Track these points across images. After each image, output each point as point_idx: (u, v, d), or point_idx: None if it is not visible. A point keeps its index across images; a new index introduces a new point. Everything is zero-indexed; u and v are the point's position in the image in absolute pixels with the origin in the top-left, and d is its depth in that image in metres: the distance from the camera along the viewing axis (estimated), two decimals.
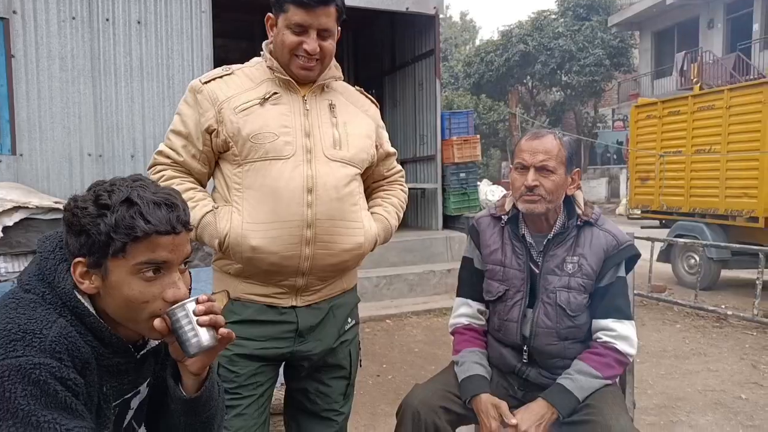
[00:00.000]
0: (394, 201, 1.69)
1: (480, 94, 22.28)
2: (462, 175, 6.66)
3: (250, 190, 1.42)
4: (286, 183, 1.41)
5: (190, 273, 1.08)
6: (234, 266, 1.47)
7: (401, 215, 1.70)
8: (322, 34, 1.44)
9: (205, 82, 1.46)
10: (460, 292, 1.81)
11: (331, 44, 1.47)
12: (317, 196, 1.44)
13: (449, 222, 6.63)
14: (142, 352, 1.05)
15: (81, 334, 0.95)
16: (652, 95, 15.15)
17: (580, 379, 1.55)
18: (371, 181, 1.69)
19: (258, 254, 1.42)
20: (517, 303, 1.65)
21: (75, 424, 0.87)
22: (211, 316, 0.98)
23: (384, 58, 7.82)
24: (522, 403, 1.58)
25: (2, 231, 3.70)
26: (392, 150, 1.71)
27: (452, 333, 1.78)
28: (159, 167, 1.48)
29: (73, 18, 4.64)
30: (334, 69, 1.55)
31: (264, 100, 1.45)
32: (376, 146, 1.61)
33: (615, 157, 21.23)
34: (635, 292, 4.96)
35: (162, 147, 1.49)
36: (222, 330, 0.99)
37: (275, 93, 1.47)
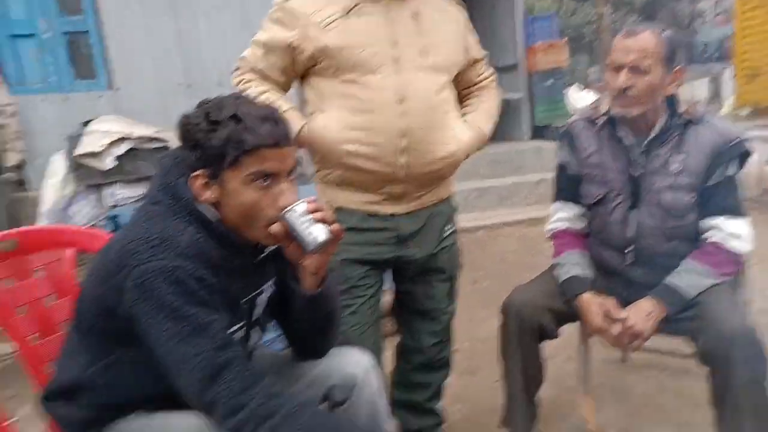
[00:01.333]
0: (485, 107, 1.67)
1: None
2: (549, 82, 6.32)
3: (342, 100, 1.46)
4: (377, 95, 1.44)
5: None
6: (333, 174, 1.53)
7: (495, 120, 1.67)
8: None
9: None
10: (557, 197, 1.78)
11: None
12: (409, 106, 1.45)
13: (538, 132, 6.39)
14: (261, 256, 1.14)
15: (208, 239, 1.04)
16: None
17: (689, 277, 1.51)
18: (461, 88, 1.68)
19: (353, 160, 1.47)
20: (619, 205, 1.61)
21: (212, 318, 0.98)
22: (322, 212, 1.05)
23: None
24: (627, 304, 1.56)
25: (116, 160, 3.98)
26: (481, 54, 1.69)
27: (550, 238, 1.77)
28: (240, 71, 1.55)
29: None
30: None
31: (347, 13, 1.44)
32: (465, 51, 1.58)
33: (717, 55, 19.32)
34: (746, 193, 4.66)
35: (245, 53, 1.55)
36: (334, 225, 1.06)
37: (357, 4, 1.46)
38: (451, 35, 1.56)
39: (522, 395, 1.67)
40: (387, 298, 2.54)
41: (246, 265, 1.12)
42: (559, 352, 2.29)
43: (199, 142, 1.01)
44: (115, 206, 3.92)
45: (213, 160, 1.01)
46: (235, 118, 0.99)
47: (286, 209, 1.04)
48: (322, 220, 1.05)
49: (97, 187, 4.00)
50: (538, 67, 6.27)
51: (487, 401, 2.11)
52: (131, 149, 4.06)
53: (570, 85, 7.92)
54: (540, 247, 3.95)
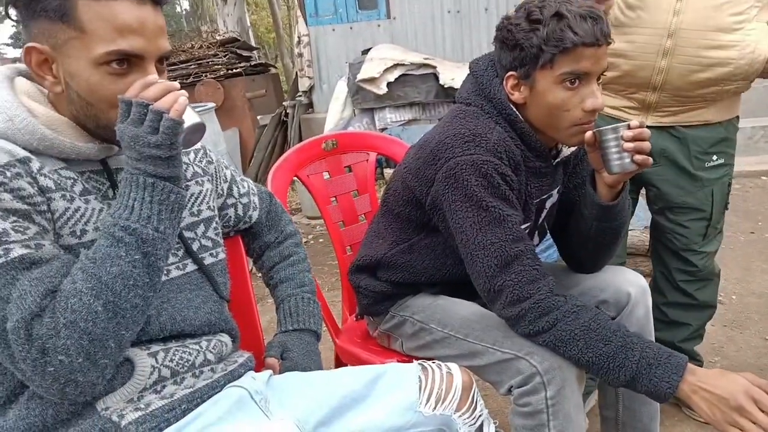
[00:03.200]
0: None
1: None
2: None
3: None
4: None
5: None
6: None
7: None
8: None
9: None
10: None
11: None
12: (687, 2, 1.32)
13: None
14: (556, 160, 1.18)
15: (512, 139, 1.10)
16: None
17: None
18: None
19: (613, 58, 1.38)
20: None
21: (511, 212, 1.06)
22: (637, 143, 1.03)
23: None
24: None
25: (387, 86, 4.41)
26: None
27: None
28: None
29: None
30: None
31: None
32: None
33: None
34: None
35: None
36: (642, 157, 1.04)
37: None
38: None
39: None
40: (641, 236, 2.43)
41: (543, 167, 1.15)
42: None
43: (519, 42, 1.04)
44: (384, 129, 4.39)
45: (530, 60, 1.04)
46: (558, 15, 1.01)
47: (607, 126, 1.05)
48: (636, 151, 1.04)
49: (371, 110, 4.51)
50: None
51: (750, 359, 1.95)
52: (402, 75, 4.44)
53: None
54: None
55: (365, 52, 4.71)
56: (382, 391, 0.94)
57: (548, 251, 2.10)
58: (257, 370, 1.01)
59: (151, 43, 0.80)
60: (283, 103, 5.26)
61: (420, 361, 1.00)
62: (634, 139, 1.03)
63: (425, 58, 4.49)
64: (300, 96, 5.35)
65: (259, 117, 5.19)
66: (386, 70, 4.43)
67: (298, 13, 5.48)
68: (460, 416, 0.94)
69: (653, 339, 1.25)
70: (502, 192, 1.06)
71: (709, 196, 1.55)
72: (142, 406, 0.84)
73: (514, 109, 1.11)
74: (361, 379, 0.96)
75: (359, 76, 4.39)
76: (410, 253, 1.24)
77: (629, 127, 1.04)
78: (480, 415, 0.97)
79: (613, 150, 1.05)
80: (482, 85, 1.14)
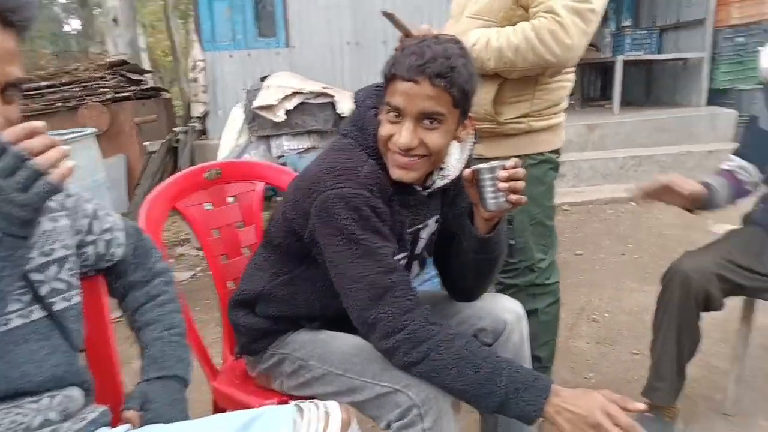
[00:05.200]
0: (495, 31, 1.48)
1: None
2: (740, 39, 5.57)
3: None
4: None
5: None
6: None
7: (516, 41, 1.43)
8: None
9: None
10: (738, 152, 1.65)
11: None
12: None
13: (715, 97, 5.72)
14: (429, 191, 1.19)
15: (383, 171, 1.11)
16: None
17: None
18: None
19: None
20: None
21: (382, 244, 1.07)
22: (511, 183, 1.06)
23: None
24: None
25: (285, 114, 4.38)
26: None
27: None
28: None
29: None
30: None
31: None
32: None
33: None
34: None
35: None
36: (517, 197, 1.07)
37: None
38: None
39: (671, 366, 1.58)
40: None
41: (416, 198, 1.16)
42: (713, 330, 2.17)
43: (384, 72, 1.08)
44: (281, 156, 4.35)
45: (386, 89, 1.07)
46: (405, 48, 1.03)
47: (485, 164, 1.08)
48: (509, 189, 1.06)
49: (267, 138, 4.45)
50: (730, 21, 5.55)
51: (621, 373, 2.08)
52: (300, 103, 4.44)
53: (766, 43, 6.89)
54: (701, 223, 3.63)
55: (263, 79, 4.67)
56: None
57: (436, 279, 2.15)
58: (114, 425, 0.93)
59: None
60: (174, 129, 5.07)
61: (296, 402, 0.97)
62: (508, 179, 1.06)
63: (324, 87, 4.52)
64: (193, 122, 5.19)
65: (147, 143, 4.96)
66: (284, 98, 4.41)
67: (194, 37, 5.35)
68: None
69: (529, 364, 1.30)
70: (373, 225, 1.06)
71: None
72: None
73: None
74: (232, 425, 0.90)
75: (256, 103, 4.34)
76: (291, 285, 1.22)
77: (505, 168, 1.07)
78: None
79: (489, 189, 1.08)
80: (358, 116, 1.16)
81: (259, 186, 1.67)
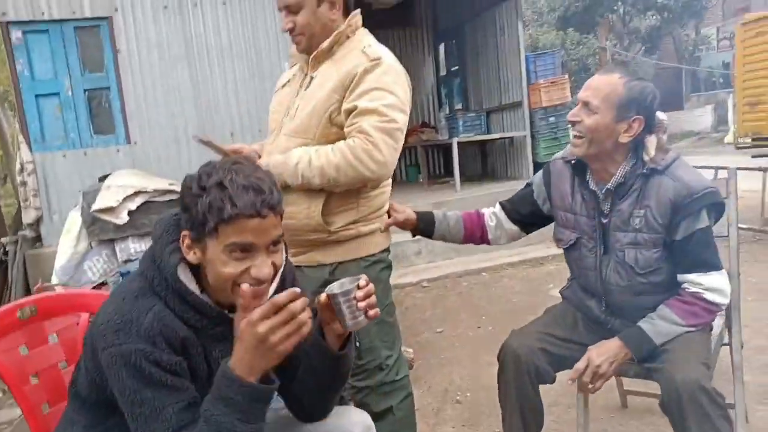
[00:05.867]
0: (315, 150, 1.58)
1: (567, 28, 20.89)
2: (551, 119, 6.44)
3: None
4: (265, 157, 1.66)
5: (285, 247, 1.17)
6: None
7: (336, 160, 1.54)
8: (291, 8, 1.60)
9: None
10: (502, 202, 1.89)
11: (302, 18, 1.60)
12: None
13: (540, 168, 6.46)
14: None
15: (181, 310, 1.07)
16: (766, 7, 13.54)
17: (659, 324, 1.52)
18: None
19: None
20: (591, 251, 1.64)
21: (172, 399, 1.03)
22: (369, 300, 1.09)
23: (463, 3, 7.56)
24: None
25: (128, 215, 4.12)
26: (359, 105, 1.54)
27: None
28: None
29: (165, 7, 4.92)
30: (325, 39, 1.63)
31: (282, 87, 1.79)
32: (341, 103, 1.57)
33: (721, 80, 19.36)
34: (746, 226, 4.63)
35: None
36: (374, 311, 1.11)
37: (294, 75, 1.76)
38: (324, 93, 1.59)
39: None
40: None
41: (227, 331, 1.11)
42: (560, 400, 2.32)
43: (188, 205, 1.04)
44: (128, 261, 4.04)
45: (197, 225, 1.03)
46: (220, 185, 1.00)
47: (333, 287, 1.11)
48: (366, 307, 1.09)
49: (111, 242, 4.12)
50: (541, 104, 6.41)
51: None
52: (145, 202, 4.21)
53: None
54: (544, 288, 3.99)
55: (102, 179, 4.38)
56: None
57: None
58: None
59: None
60: (1, 240, 4.52)
61: None
62: (365, 298, 1.09)
63: (170, 183, 4.34)
64: (24, 230, 4.68)
65: None
66: (126, 198, 4.15)
67: (20, 138, 4.91)
68: None
69: None
70: (157, 380, 1.02)
71: None
72: None
73: (184, 281, 1.08)
74: None
75: (95, 206, 4.03)
76: None
77: (359, 287, 1.09)
78: None
79: (346, 309, 1.09)
80: (156, 253, 1.12)
81: (84, 317, 1.51)
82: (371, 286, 1.11)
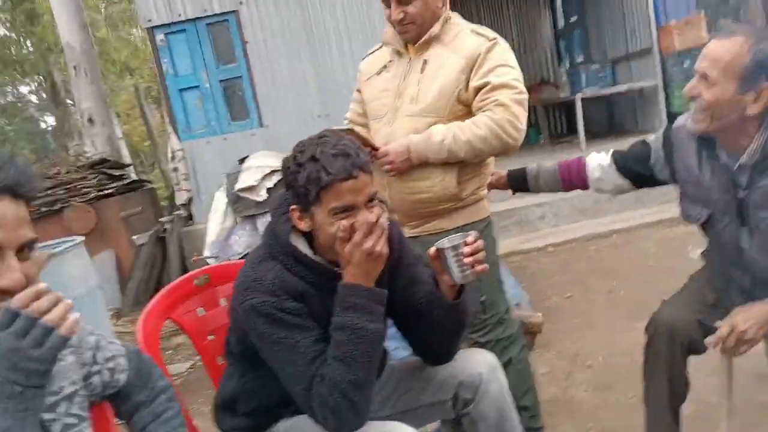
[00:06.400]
0: (459, 124, 1.68)
1: None
2: (686, 64, 5.87)
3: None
4: (379, 139, 1.76)
5: (383, 205, 1.29)
6: None
7: (473, 138, 1.65)
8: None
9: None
10: (614, 152, 1.74)
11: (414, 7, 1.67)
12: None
13: (674, 120, 5.95)
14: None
15: (298, 271, 1.24)
16: None
17: None
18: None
19: None
20: (727, 227, 1.50)
21: (302, 336, 1.19)
22: (476, 256, 1.19)
23: None
24: None
25: (267, 192, 4.49)
26: (491, 81, 1.66)
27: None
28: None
29: None
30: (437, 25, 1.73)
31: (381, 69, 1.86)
32: (467, 82, 1.69)
33: None
34: None
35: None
36: (481, 267, 1.20)
37: (390, 61, 1.83)
38: (448, 73, 1.70)
39: (665, 413, 1.61)
40: None
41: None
42: (704, 364, 2.21)
43: (290, 183, 1.20)
44: None
45: (302, 197, 1.18)
46: (313, 158, 1.15)
47: (444, 242, 1.21)
48: (473, 262, 1.18)
49: (252, 217, 4.54)
50: (674, 48, 5.86)
51: (622, 419, 2.08)
52: (280, 180, 4.55)
53: None
54: (683, 250, 3.74)
55: (242, 161, 4.80)
56: None
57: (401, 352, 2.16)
58: None
59: (11, 234, 0.84)
60: (160, 220, 5.15)
61: None
62: (472, 254, 1.18)
63: None
64: (178, 210, 5.27)
65: (135, 237, 5.01)
66: (264, 177, 4.52)
67: (170, 129, 5.50)
68: None
69: (513, 410, 1.38)
70: (287, 321, 1.19)
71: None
72: None
73: (297, 246, 1.25)
74: None
75: (237, 186, 4.44)
76: (260, 378, 1.31)
77: (467, 243, 1.18)
78: None
79: (455, 264, 1.18)
80: (272, 224, 1.31)
81: None
82: (480, 242, 1.20)
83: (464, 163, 1.72)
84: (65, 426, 0.95)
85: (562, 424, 2.11)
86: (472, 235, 1.19)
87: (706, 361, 1.68)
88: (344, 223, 1.16)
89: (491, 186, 1.87)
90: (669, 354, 1.56)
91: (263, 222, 4.58)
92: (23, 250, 0.88)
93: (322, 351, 1.19)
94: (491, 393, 1.33)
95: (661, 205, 4.84)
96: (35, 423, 0.80)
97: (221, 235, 4.63)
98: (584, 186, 1.81)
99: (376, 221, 1.15)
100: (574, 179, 1.81)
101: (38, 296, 0.79)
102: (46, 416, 0.93)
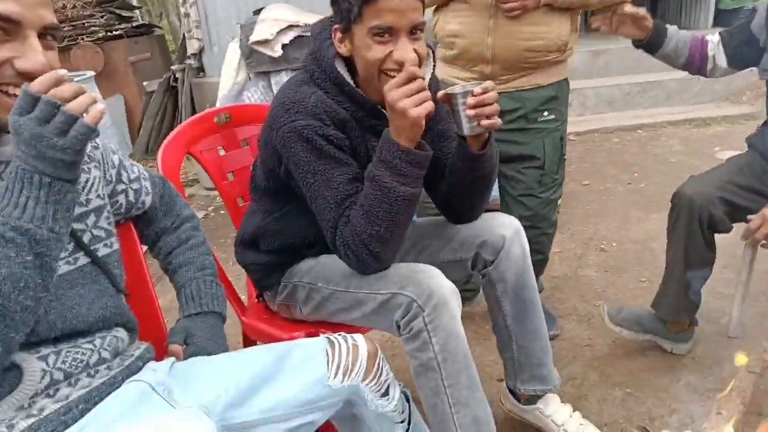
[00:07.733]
0: None
1: None
2: None
3: None
4: None
5: (433, 55, 1.23)
6: (445, 52, 1.74)
7: None
8: None
9: None
10: (722, 33, 1.67)
11: None
12: None
13: (722, 18, 5.55)
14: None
15: (340, 100, 1.16)
16: None
17: None
18: None
19: (452, 38, 1.67)
20: None
21: (339, 171, 1.14)
22: (479, 109, 1.10)
23: None
24: None
25: (282, 48, 4.26)
26: None
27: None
28: None
29: None
30: None
31: None
32: None
33: None
34: None
35: None
36: (489, 121, 1.12)
37: None
38: None
39: (676, 280, 1.66)
40: None
41: (380, 125, 1.17)
42: (719, 257, 2.21)
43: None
44: None
45: (345, 14, 1.10)
46: None
47: (455, 88, 1.12)
48: (480, 114, 1.10)
49: (266, 74, 4.35)
50: None
51: (629, 300, 2.13)
52: (297, 37, 4.30)
53: None
54: (708, 150, 3.64)
55: (257, 12, 4.51)
56: (290, 369, 0.95)
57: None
58: (159, 358, 0.99)
59: (31, 12, 0.75)
60: (171, 68, 4.95)
61: (326, 335, 1.02)
62: (476, 106, 1.10)
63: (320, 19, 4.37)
64: (189, 59, 5.06)
65: (145, 83, 4.85)
66: (280, 32, 4.27)
67: None
68: (367, 384, 0.98)
69: (532, 275, 1.36)
70: (327, 152, 1.14)
71: (541, 147, 1.74)
72: (35, 411, 0.79)
73: (340, 72, 1.16)
74: (269, 357, 0.97)
75: (252, 38, 4.21)
76: (284, 218, 1.30)
77: (473, 94, 1.09)
78: (386, 381, 1.01)
79: (462, 111, 1.11)
80: (315, 48, 1.20)
81: None
82: (490, 95, 1.11)
83: (573, 16, 1.66)
84: (94, 238, 0.93)
85: (571, 299, 2.15)
86: (481, 87, 1.11)
87: (720, 256, 1.68)
88: (382, 48, 1.09)
89: (624, 25, 1.62)
90: (687, 225, 1.58)
91: (277, 81, 4.40)
92: (46, 36, 0.79)
93: (355, 191, 1.15)
94: (513, 256, 1.31)
95: (693, 105, 4.66)
96: (67, 220, 0.76)
97: (234, 89, 4.48)
98: (701, 66, 1.68)
99: (415, 76, 1.05)
100: (696, 55, 1.67)
101: (59, 82, 0.72)
102: (76, 226, 0.90)
